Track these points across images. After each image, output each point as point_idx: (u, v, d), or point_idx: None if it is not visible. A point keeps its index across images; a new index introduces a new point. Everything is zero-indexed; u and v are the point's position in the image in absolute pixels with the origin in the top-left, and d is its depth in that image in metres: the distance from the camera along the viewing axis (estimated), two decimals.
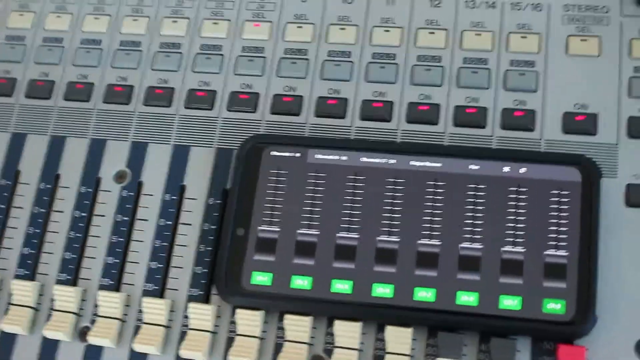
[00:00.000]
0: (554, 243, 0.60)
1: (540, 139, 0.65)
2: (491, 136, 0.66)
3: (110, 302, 0.65)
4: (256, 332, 0.62)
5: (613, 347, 0.59)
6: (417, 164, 0.64)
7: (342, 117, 0.69)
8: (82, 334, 0.65)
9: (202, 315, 0.63)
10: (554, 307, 0.58)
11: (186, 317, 0.64)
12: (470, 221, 0.62)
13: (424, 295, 0.60)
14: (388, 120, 0.68)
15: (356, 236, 0.63)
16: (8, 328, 0.65)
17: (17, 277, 0.68)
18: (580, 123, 0.65)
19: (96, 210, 0.69)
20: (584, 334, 0.58)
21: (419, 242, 0.62)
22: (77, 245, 0.68)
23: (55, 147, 0.72)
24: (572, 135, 0.65)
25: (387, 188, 0.64)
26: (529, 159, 0.63)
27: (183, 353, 0.62)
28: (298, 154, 0.66)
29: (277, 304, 0.62)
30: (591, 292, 0.58)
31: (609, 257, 0.61)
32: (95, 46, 0.76)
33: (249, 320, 0.62)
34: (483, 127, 0.66)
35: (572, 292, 0.59)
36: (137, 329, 0.65)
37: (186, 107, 0.71)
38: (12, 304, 0.66)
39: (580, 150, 0.64)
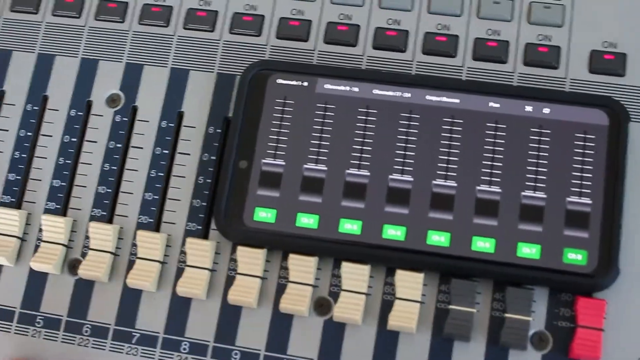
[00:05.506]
0: (577, 190, 0.57)
1: (565, 78, 0.61)
2: (512, 72, 0.62)
3: (102, 235, 0.61)
4: (258, 271, 0.59)
5: (635, 301, 0.56)
6: (434, 98, 0.60)
7: (354, 45, 0.64)
8: (72, 267, 0.62)
9: (200, 251, 0.60)
10: (574, 257, 0.56)
11: (183, 252, 0.61)
12: (489, 162, 0.58)
13: (438, 239, 0.57)
14: (403, 51, 0.64)
15: (367, 173, 0.59)
16: None
17: (2, 204, 0.63)
18: (608, 62, 0.61)
19: (87, 136, 0.65)
20: (605, 287, 0.56)
21: (434, 182, 0.58)
22: (66, 172, 0.64)
23: (43, 66, 0.67)
24: (599, 76, 0.61)
25: (401, 123, 0.60)
26: (554, 98, 0.59)
27: (180, 290, 0.59)
28: (306, 83, 0.62)
29: (280, 242, 0.59)
30: (614, 243, 0.56)
31: (635, 207, 0.58)
32: None
33: (251, 259, 0.59)
34: (504, 62, 0.62)
35: (594, 243, 0.56)
36: (131, 264, 0.61)
37: (185, 28, 0.66)
38: None
39: (606, 92, 0.61)
